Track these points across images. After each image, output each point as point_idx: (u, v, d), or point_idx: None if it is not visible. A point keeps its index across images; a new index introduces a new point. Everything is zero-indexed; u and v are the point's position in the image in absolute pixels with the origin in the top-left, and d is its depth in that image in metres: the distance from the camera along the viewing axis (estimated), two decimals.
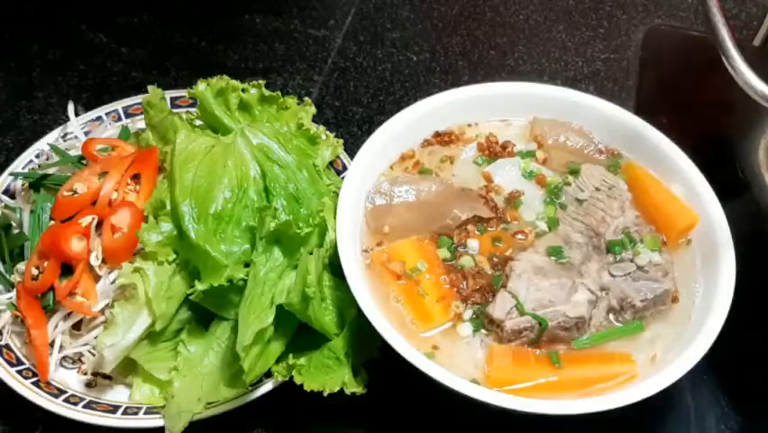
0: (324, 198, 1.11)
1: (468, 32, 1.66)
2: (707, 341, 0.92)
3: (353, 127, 1.47)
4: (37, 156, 1.27)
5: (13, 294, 1.10)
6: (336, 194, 1.08)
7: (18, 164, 1.26)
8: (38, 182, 1.18)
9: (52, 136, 1.30)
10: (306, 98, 1.26)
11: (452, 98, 1.18)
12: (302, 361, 1.02)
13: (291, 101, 1.23)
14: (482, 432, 1.06)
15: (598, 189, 1.09)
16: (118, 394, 1.07)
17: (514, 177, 1.12)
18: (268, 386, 1.03)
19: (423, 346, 0.96)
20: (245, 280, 1.01)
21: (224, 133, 1.16)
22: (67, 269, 1.07)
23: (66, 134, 1.30)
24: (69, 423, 1.01)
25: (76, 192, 1.12)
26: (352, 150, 1.18)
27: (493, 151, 1.15)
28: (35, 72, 1.56)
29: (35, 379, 1.05)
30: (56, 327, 1.07)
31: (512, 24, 1.68)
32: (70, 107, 1.29)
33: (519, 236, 1.06)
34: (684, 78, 1.49)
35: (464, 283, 1.01)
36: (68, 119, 1.29)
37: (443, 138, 1.17)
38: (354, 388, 1.00)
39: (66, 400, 1.03)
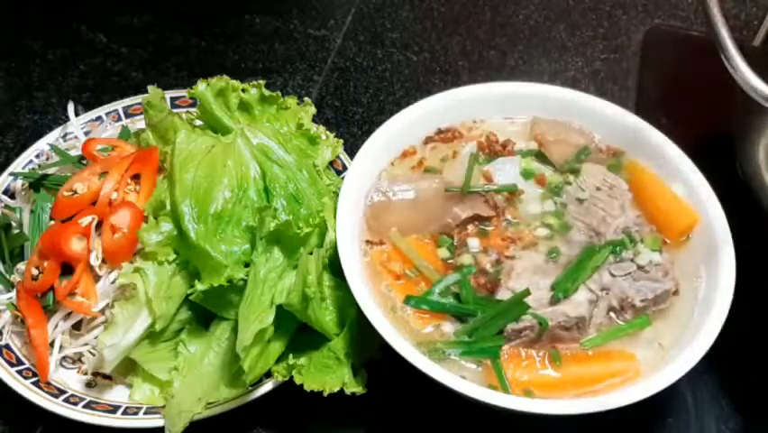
0: (324, 198, 1.11)
1: (468, 32, 1.66)
2: (706, 341, 0.92)
3: (353, 127, 1.47)
4: (37, 156, 1.27)
5: (13, 294, 1.10)
6: (336, 194, 1.08)
7: (18, 164, 1.26)
8: (38, 182, 1.18)
9: (52, 136, 1.30)
10: (306, 98, 1.26)
11: (451, 99, 1.18)
12: (302, 361, 1.02)
13: (291, 101, 1.23)
14: (482, 432, 1.06)
15: (598, 189, 1.09)
16: (118, 394, 1.07)
17: (514, 176, 1.12)
18: (268, 386, 1.03)
19: (423, 346, 0.96)
20: (245, 281, 1.01)
21: (224, 133, 1.16)
22: (67, 269, 1.07)
23: (66, 134, 1.30)
24: (69, 423, 1.01)
25: (76, 192, 1.12)
26: (352, 150, 1.18)
27: (493, 149, 1.15)
28: (35, 72, 1.56)
29: (35, 379, 1.05)
30: (56, 326, 1.07)
31: (512, 24, 1.68)
32: (70, 107, 1.29)
33: (519, 235, 1.06)
34: (684, 79, 1.49)
35: None
36: (68, 119, 1.29)
37: (444, 136, 1.17)
38: (354, 388, 1.00)
39: (66, 400, 1.03)
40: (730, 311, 0.94)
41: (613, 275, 1.01)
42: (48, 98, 1.51)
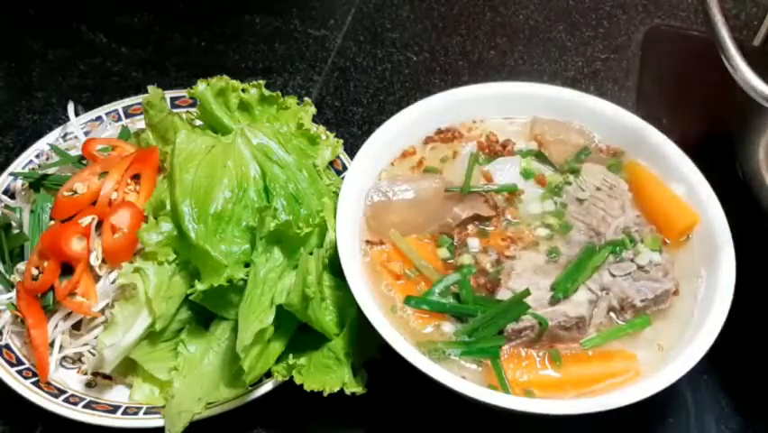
0: (324, 198, 1.11)
1: (468, 32, 1.66)
2: (706, 341, 0.92)
3: (353, 127, 1.47)
4: (37, 156, 1.27)
5: (13, 294, 1.10)
6: (336, 194, 1.08)
7: (18, 164, 1.26)
8: (38, 182, 1.18)
9: (52, 136, 1.30)
10: (306, 98, 1.26)
11: (451, 99, 1.18)
12: (302, 361, 1.02)
13: (291, 101, 1.23)
14: (482, 432, 1.06)
15: (598, 189, 1.09)
16: (118, 394, 1.07)
17: (514, 175, 1.12)
18: (268, 386, 1.03)
19: (423, 346, 0.96)
20: (245, 281, 1.01)
21: (224, 133, 1.16)
22: (67, 269, 1.07)
23: (66, 134, 1.30)
24: (69, 423, 1.01)
25: (76, 192, 1.12)
26: (351, 150, 1.18)
27: (493, 149, 1.15)
28: (35, 72, 1.56)
29: (35, 379, 1.05)
30: (56, 326, 1.07)
31: (512, 24, 1.68)
32: (70, 107, 1.29)
33: (519, 235, 1.06)
34: (684, 78, 1.49)
35: None
36: (68, 119, 1.30)
37: (444, 136, 1.17)
38: (354, 388, 1.00)
39: (66, 400, 1.03)
40: (730, 311, 0.94)
41: (613, 275, 1.01)
42: (48, 98, 1.51)
